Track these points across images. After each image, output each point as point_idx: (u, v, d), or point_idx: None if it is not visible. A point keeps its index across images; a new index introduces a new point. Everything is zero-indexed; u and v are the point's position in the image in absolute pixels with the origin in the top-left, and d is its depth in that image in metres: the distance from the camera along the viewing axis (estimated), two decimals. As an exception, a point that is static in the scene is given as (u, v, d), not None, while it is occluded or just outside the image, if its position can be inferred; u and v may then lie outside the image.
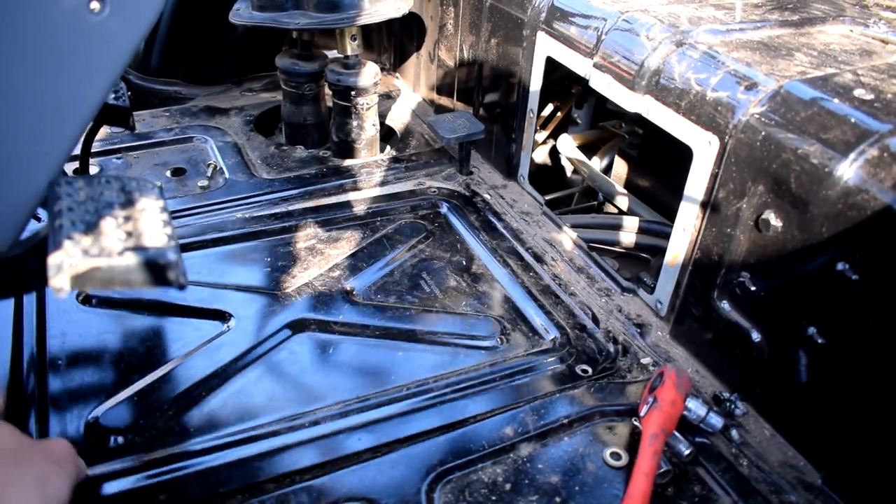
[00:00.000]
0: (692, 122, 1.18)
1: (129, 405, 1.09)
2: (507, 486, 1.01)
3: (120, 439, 1.04)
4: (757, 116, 1.08)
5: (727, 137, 1.12)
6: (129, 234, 0.67)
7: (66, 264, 0.61)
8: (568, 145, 1.98)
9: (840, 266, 0.97)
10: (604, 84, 1.35)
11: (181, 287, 0.65)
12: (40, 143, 0.73)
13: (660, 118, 1.24)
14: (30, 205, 0.73)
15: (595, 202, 1.94)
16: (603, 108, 2.07)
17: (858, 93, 1.06)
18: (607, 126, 2.06)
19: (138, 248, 0.65)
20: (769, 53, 1.21)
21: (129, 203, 0.72)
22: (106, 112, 1.17)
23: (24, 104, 0.72)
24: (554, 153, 2.08)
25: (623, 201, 1.80)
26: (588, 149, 2.01)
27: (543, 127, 1.99)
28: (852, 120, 0.99)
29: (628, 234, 1.63)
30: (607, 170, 1.95)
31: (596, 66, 1.36)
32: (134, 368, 1.15)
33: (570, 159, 1.97)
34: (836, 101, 1.04)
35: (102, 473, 0.98)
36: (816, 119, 1.02)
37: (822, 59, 1.20)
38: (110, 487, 0.97)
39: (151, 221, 0.70)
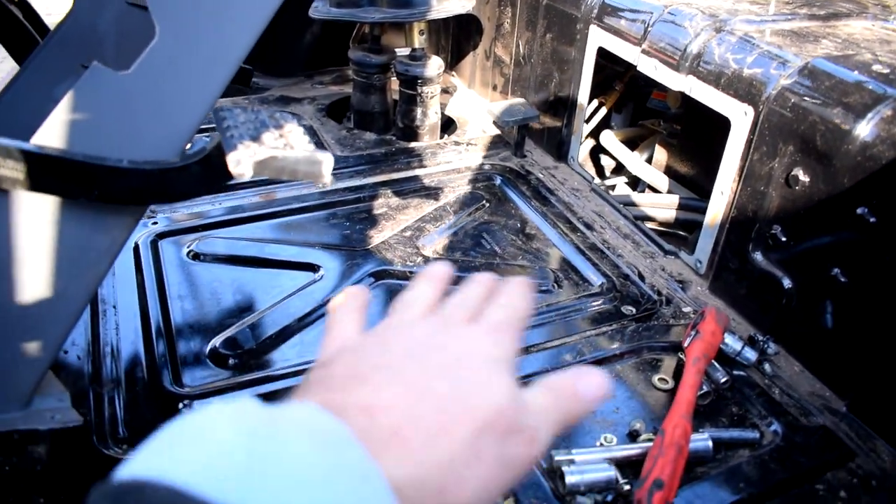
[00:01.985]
0: (730, 96, 1.34)
1: (240, 336, 1.26)
2: (567, 401, 1.17)
3: (235, 361, 1.21)
4: (787, 87, 1.24)
5: (761, 107, 1.28)
6: (285, 145, 0.85)
7: (246, 156, 0.79)
8: (610, 140, 2.15)
9: (860, 210, 1.12)
10: (650, 67, 1.52)
11: (327, 184, 0.83)
12: (207, 74, 0.92)
13: (701, 95, 1.41)
14: (196, 123, 0.92)
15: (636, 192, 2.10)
16: (641, 111, 2.24)
17: (876, 68, 1.22)
18: (646, 124, 2.23)
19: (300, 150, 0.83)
20: (798, 39, 1.38)
21: (278, 125, 0.90)
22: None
23: (196, 53, 0.91)
24: (595, 152, 2.24)
25: (663, 187, 1.96)
26: (627, 144, 2.17)
27: (586, 122, 2.16)
28: (870, 87, 1.15)
29: (669, 210, 1.79)
30: (648, 161, 2.11)
31: (644, 52, 1.53)
32: (241, 308, 1.33)
33: (611, 153, 2.14)
34: (855, 72, 1.20)
35: (226, 385, 1.16)
36: (838, 87, 1.18)
37: (845, 45, 1.36)
38: (231, 395, 1.14)
39: (299, 138, 0.87)
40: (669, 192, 1.94)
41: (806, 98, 1.21)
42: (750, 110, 1.30)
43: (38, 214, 0.87)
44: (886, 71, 1.21)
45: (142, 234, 1.51)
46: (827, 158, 1.16)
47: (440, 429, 0.43)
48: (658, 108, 2.22)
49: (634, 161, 2.06)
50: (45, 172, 0.84)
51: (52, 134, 0.87)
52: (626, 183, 2.15)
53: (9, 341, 0.90)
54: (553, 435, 0.49)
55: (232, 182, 1.56)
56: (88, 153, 0.86)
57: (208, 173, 0.88)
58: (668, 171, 2.00)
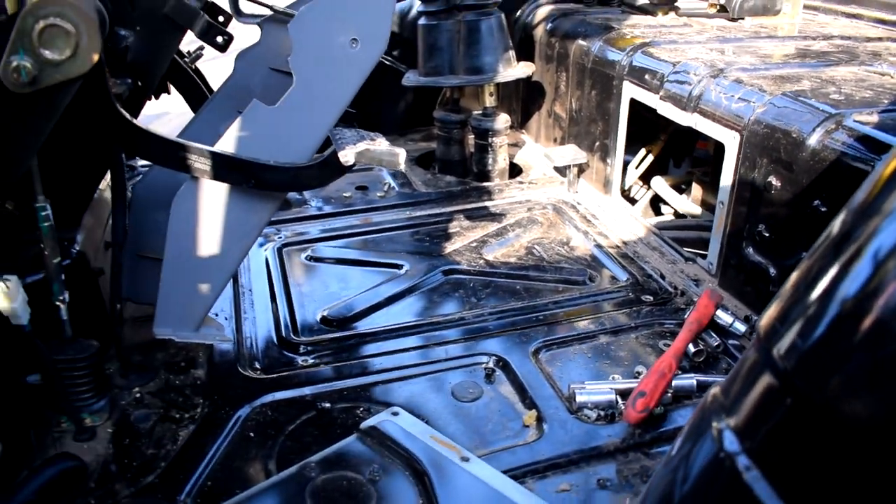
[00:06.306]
0: (723, 125, 1.70)
1: (343, 309, 1.68)
2: (589, 355, 1.52)
3: (337, 324, 1.63)
4: (760, 115, 1.60)
5: (744, 132, 1.63)
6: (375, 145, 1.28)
7: (350, 151, 1.22)
8: (660, 184, 2.50)
9: (815, 203, 1.45)
10: (666, 109, 1.89)
11: (402, 169, 1.25)
12: (326, 109, 1.36)
13: (704, 127, 1.77)
14: (320, 139, 1.36)
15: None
16: (693, 161, 2.60)
17: (833, 96, 1.57)
18: (693, 171, 2.58)
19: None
20: (782, 81, 1.73)
21: (371, 139, 1.33)
22: None
23: (319, 95, 1.36)
24: (655, 199, 2.59)
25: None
26: (678, 188, 2.52)
27: (636, 168, 2.53)
28: (820, 108, 1.50)
29: (696, 231, 2.12)
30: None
31: (661, 98, 1.92)
32: (344, 292, 1.75)
33: (661, 196, 2.49)
34: (813, 100, 1.54)
35: (330, 339, 1.57)
36: (797, 111, 1.53)
37: (820, 84, 1.70)
38: (337, 343, 1.56)
39: (383, 142, 1.30)
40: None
41: (773, 120, 1.56)
42: (737, 135, 1.66)
43: (214, 196, 1.33)
44: (841, 98, 1.55)
45: (268, 245, 1.97)
46: (789, 165, 1.50)
47: None
48: (702, 157, 2.57)
49: (678, 199, 2.41)
50: (221, 167, 1.30)
51: (226, 144, 1.33)
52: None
53: (189, 282, 1.35)
54: None
55: (339, 209, 2.01)
56: (248, 156, 1.31)
57: (328, 170, 1.32)
58: (703, 204, 2.34)
